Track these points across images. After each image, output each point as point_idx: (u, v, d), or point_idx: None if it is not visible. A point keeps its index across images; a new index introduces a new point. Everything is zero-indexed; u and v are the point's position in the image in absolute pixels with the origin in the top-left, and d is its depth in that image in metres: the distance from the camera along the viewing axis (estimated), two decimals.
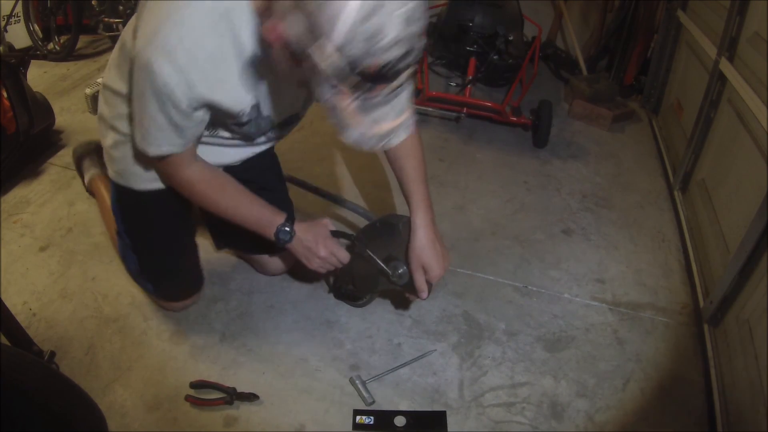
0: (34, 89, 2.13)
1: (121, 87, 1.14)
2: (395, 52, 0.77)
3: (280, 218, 1.21)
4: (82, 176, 1.85)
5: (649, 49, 2.80)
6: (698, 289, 1.60)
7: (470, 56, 2.61)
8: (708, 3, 2.05)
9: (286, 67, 0.86)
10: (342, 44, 0.75)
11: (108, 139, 1.26)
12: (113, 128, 1.22)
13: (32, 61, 2.72)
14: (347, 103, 0.83)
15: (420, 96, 2.50)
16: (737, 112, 1.63)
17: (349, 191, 2.04)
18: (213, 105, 1.03)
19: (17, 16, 3.09)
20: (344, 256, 1.28)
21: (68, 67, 3.01)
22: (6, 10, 3.03)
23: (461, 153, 2.35)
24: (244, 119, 1.12)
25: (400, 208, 1.96)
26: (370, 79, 0.79)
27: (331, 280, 1.53)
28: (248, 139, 1.25)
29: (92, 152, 1.82)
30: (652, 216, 2.01)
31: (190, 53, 0.93)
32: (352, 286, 1.46)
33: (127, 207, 1.35)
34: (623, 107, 2.66)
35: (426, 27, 0.82)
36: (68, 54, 3.05)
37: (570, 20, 3.08)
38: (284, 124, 1.27)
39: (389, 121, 0.88)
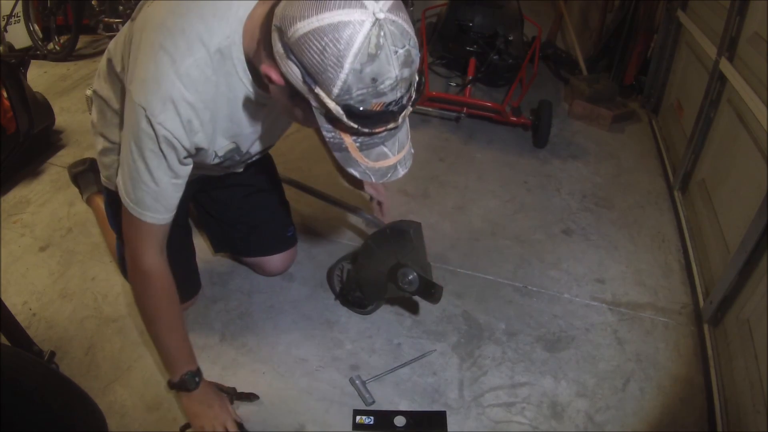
0: (34, 89, 2.13)
1: (110, 96, 1.13)
2: (394, 95, 0.78)
3: (194, 365, 1.18)
4: (80, 190, 1.81)
5: (649, 49, 2.80)
6: (698, 289, 1.60)
7: (470, 56, 2.61)
8: (708, 3, 2.05)
9: (283, 106, 0.87)
10: (341, 92, 0.75)
11: (98, 145, 1.25)
12: (103, 135, 1.21)
13: (32, 61, 2.73)
14: (348, 142, 0.84)
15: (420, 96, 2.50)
16: (737, 112, 1.64)
17: (349, 192, 2.04)
18: (199, 153, 1.02)
19: (17, 16, 3.09)
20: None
21: (68, 67, 3.01)
22: (6, 10, 3.03)
23: (461, 153, 2.35)
24: (222, 160, 1.11)
25: (401, 208, 1.96)
26: (369, 122, 0.80)
27: (338, 287, 1.53)
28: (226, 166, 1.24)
29: (87, 171, 1.76)
30: (652, 216, 2.01)
31: (192, 104, 0.92)
32: (359, 293, 1.46)
33: (119, 211, 1.34)
34: (623, 107, 2.66)
35: (416, 75, 0.83)
36: (68, 54, 3.05)
37: (570, 20, 3.08)
38: (261, 153, 1.28)
39: (391, 158, 0.89)
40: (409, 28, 0.77)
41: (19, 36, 3.11)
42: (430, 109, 2.55)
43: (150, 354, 1.37)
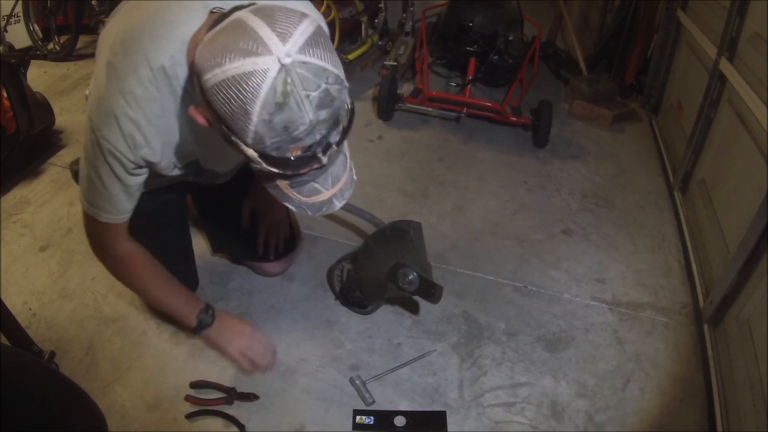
0: (34, 89, 2.13)
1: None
2: (312, 139, 0.76)
3: (201, 304, 1.24)
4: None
5: (649, 49, 2.79)
6: (698, 289, 1.60)
7: (470, 56, 2.61)
8: (708, 3, 2.05)
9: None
10: (254, 142, 0.74)
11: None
12: None
13: (32, 61, 2.73)
14: (279, 180, 0.85)
15: (420, 96, 2.51)
16: (737, 112, 1.63)
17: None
18: (152, 165, 1.02)
19: (17, 16, 3.09)
20: (267, 357, 1.29)
21: (68, 67, 3.01)
22: (6, 10, 3.03)
23: (461, 153, 2.35)
24: (185, 172, 1.11)
25: (401, 208, 1.96)
26: (290, 166, 0.79)
27: (338, 287, 1.53)
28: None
29: None
30: (652, 216, 2.01)
31: (134, 120, 0.92)
32: (359, 293, 1.46)
33: None
34: (623, 107, 2.65)
35: (345, 107, 0.80)
36: (68, 54, 3.05)
37: (570, 20, 3.08)
38: (231, 173, 1.29)
39: (324, 193, 0.89)
40: (327, 63, 0.73)
41: (19, 36, 3.11)
42: (430, 109, 2.55)
43: (150, 354, 1.37)
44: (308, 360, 1.38)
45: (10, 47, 3.04)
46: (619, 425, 1.27)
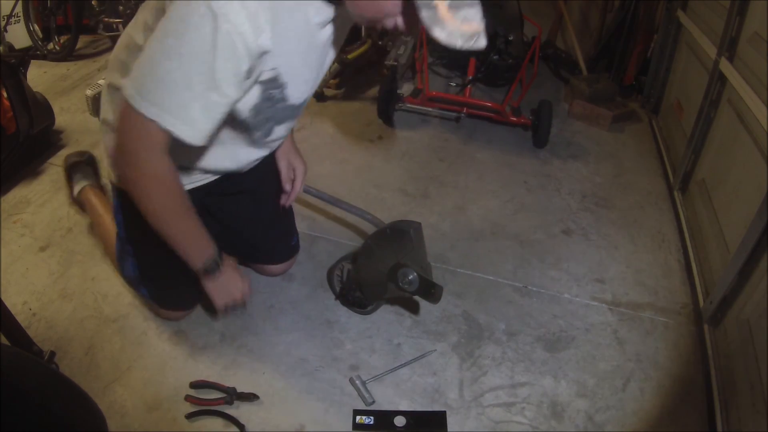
0: (34, 89, 2.13)
1: None
2: None
3: (212, 249, 1.18)
4: (71, 186, 1.74)
5: (649, 49, 2.79)
6: (698, 289, 1.60)
7: (470, 56, 2.61)
8: (708, 3, 2.05)
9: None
10: None
11: (110, 142, 1.17)
12: None
13: (32, 61, 2.73)
14: (438, 1, 0.81)
15: (420, 96, 2.51)
16: (737, 112, 1.63)
17: (350, 191, 2.04)
18: (263, 66, 0.93)
19: (17, 16, 3.09)
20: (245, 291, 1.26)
21: (68, 67, 3.01)
22: (6, 10, 3.03)
23: (461, 153, 2.35)
24: (274, 95, 1.03)
25: (401, 208, 1.96)
26: None
27: (338, 287, 1.53)
28: (257, 136, 1.18)
29: (84, 163, 1.75)
30: (652, 216, 2.01)
31: None
32: (359, 293, 1.46)
33: (131, 213, 1.26)
34: (623, 107, 2.66)
35: None
36: (68, 54, 3.05)
37: (570, 20, 3.08)
38: (298, 109, 1.20)
39: (477, 23, 0.85)
40: None
41: (19, 36, 3.11)
42: (430, 109, 2.55)
43: (150, 354, 1.37)
44: (308, 360, 1.38)
45: (10, 47, 3.05)
46: (619, 425, 1.27)
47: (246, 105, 1.01)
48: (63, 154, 2.17)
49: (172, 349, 1.39)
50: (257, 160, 1.29)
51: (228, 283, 1.22)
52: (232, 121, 1.06)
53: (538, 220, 1.94)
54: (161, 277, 1.37)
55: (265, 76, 0.98)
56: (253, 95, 1.01)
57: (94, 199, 1.65)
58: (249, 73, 0.90)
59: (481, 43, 0.87)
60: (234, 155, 1.22)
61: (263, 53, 0.89)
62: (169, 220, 1.07)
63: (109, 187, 1.67)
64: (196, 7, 0.80)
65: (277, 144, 1.29)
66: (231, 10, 0.80)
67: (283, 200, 1.49)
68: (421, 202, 2.01)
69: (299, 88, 1.09)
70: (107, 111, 1.18)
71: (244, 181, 1.37)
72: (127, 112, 0.90)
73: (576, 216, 1.98)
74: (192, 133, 0.91)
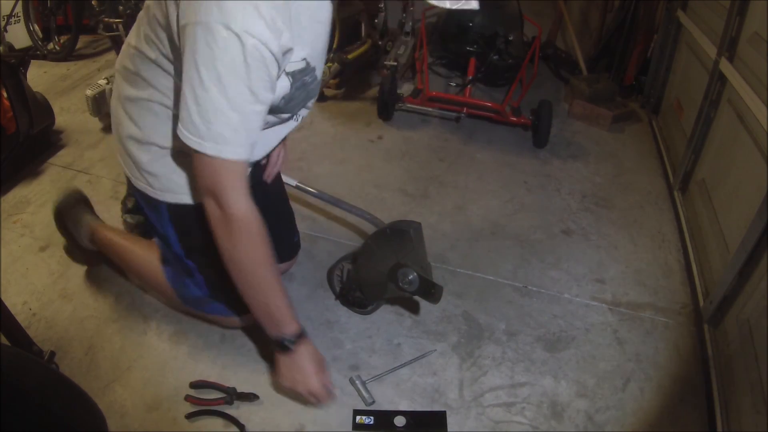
0: (34, 89, 2.13)
1: (156, 84, 1.02)
2: None
3: (295, 325, 1.12)
4: (72, 235, 1.52)
5: (649, 49, 2.79)
6: (698, 289, 1.60)
7: (470, 56, 2.62)
8: (708, 3, 2.05)
9: None
10: None
11: (143, 157, 1.12)
12: (150, 143, 1.10)
13: (32, 61, 2.73)
14: None
15: (420, 96, 2.51)
16: (737, 112, 1.63)
17: (350, 191, 2.04)
18: (289, 51, 0.94)
19: (17, 16, 3.09)
20: (326, 394, 1.17)
21: (68, 67, 3.01)
22: (6, 10, 3.04)
23: (461, 153, 2.35)
24: (307, 81, 1.04)
25: (401, 208, 1.96)
26: None
27: (338, 287, 1.53)
28: (286, 117, 1.16)
29: (76, 204, 1.54)
30: (652, 216, 2.01)
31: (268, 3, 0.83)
32: (359, 293, 1.46)
33: (186, 224, 1.19)
34: (623, 107, 2.66)
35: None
36: (68, 54, 3.05)
37: (570, 20, 3.08)
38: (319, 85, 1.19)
39: None
40: None
41: (19, 36, 3.11)
42: (430, 109, 2.55)
43: (150, 354, 1.37)
44: None
45: (10, 47, 3.05)
46: (619, 425, 1.27)
47: (278, 95, 1.01)
48: (63, 154, 2.17)
49: (172, 349, 1.39)
50: (281, 137, 1.25)
51: (297, 371, 1.15)
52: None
53: (538, 220, 1.94)
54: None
55: (296, 67, 1.00)
56: (284, 86, 1.01)
57: (111, 235, 1.45)
58: (279, 72, 0.93)
59: (473, 4, 0.86)
60: (266, 140, 1.19)
61: (287, 51, 0.91)
62: (257, 275, 1.04)
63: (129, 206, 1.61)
64: (217, 32, 0.82)
65: (293, 124, 1.25)
66: (251, 24, 0.82)
67: (266, 175, 1.45)
68: (421, 202, 2.01)
69: (320, 65, 1.11)
70: (128, 125, 1.11)
71: (251, 177, 1.37)
72: (197, 157, 0.93)
73: (576, 216, 1.98)
74: (245, 150, 0.94)
